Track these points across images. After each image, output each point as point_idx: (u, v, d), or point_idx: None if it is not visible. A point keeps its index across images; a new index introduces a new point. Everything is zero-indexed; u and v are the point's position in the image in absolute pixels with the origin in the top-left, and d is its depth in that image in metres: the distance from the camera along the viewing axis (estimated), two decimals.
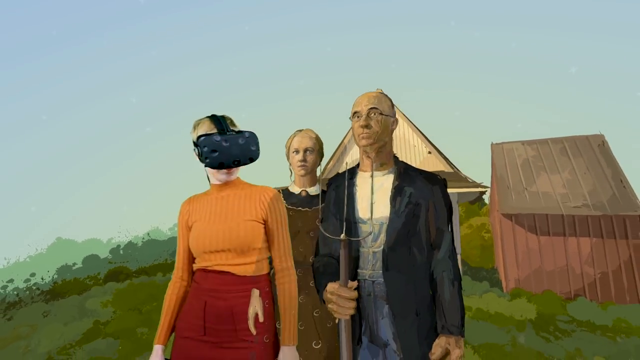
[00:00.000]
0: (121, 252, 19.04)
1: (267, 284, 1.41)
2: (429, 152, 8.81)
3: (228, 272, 1.32)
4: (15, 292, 10.75)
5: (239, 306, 1.30)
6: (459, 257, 8.18)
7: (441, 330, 1.29)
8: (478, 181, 7.83)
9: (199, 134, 1.31)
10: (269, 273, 1.43)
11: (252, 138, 1.35)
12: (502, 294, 6.34)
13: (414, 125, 9.29)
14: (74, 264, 17.50)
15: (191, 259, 1.42)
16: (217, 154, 1.28)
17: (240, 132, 1.34)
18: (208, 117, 1.38)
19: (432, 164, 8.77)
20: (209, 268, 1.33)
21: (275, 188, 1.98)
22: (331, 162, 9.32)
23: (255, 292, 1.90)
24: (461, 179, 7.94)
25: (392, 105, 1.55)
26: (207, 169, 1.38)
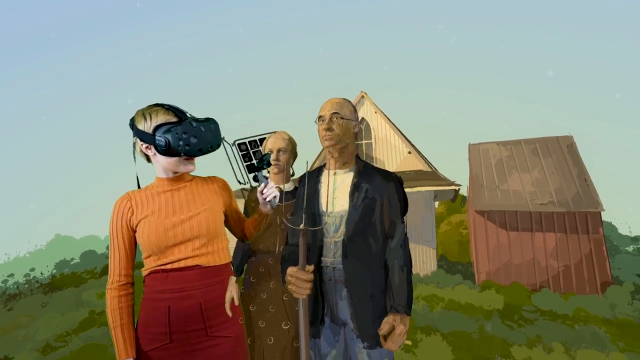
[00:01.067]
0: None
1: (231, 271, 1.34)
2: (409, 152, 8.94)
3: (194, 266, 1.19)
4: (15, 286, 10.66)
5: (208, 301, 1.19)
6: (434, 251, 8.34)
7: (389, 309, 1.37)
8: (455, 180, 7.99)
9: (159, 122, 1.18)
10: (231, 262, 1.35)
11: (218, 125, 1.27)
12: (474, 286, 6.49)
13: (396, 127, 9.43)
14: (72, 259, 17.33)
15: (133, 264, 1.25)
16: (196, 140, 1.18)
17: (207, 118, 1.24)
18: (156, 105, 1.23)
19: (412, 164, 8.92)
20: (169, 267, 1.18)
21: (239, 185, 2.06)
22: (317, 162, 9.40)
23: (232, 279, 1.99)
24: (438, 178, 8.09)
25: (355, 110, 1.64)
26: (162, 162, 1.23)
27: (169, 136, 1.15)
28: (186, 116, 1.22)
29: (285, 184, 2.00)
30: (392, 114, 10.08)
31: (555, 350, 3.48)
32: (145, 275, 1.22)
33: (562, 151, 7.70)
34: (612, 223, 14.73)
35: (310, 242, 1.48)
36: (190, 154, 1.19)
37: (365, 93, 9.60)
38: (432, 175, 8.34)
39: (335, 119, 1.50)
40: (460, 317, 4.51)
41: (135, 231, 1.22)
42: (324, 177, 1.60)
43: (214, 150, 1.26)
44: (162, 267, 1.19)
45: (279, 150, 1.94)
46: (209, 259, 1.23)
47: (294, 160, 2.07)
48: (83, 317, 4.93)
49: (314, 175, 1.62)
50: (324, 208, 1.52)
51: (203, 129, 1.20)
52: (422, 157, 8.95)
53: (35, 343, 4.19)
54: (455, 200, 10.19)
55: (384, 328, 1.33)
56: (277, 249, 1.86)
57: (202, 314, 1.17)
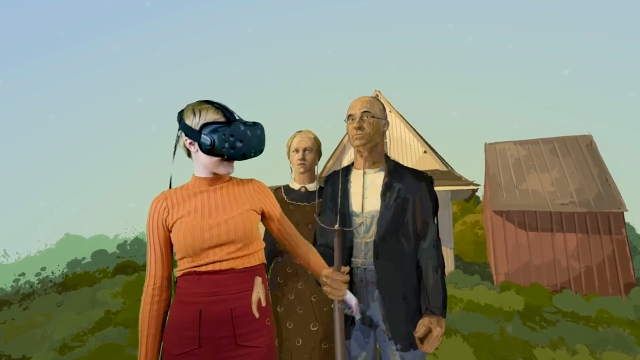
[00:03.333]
0: (128, 247, 19.15)
1: (265, 273, 1.31)
2: (425, 152, 8.89)
3: (228, 270, 1.16)
4: (28, 285, 10.88)
5: (239, 308, 1.15)
6: (451, 251, 8.28)
7: (425, 312, 1.37)
8: (473, 179, 7.92)
9: (208, 120, 1.18)
10: (264, 263, 1.32)
11: (264, 131, 1.24)
12: (492, 286, 6.44)
13: (411, 126, 9.38)
14: (84, 258, 17.63)
15: (170, 266, 1.23)
16: (242, 144, 1.16)
17: (254, 123, 1.23)
18: (207, 102, 1.23)
19: (427, 163, 8.87)
20: (203, 269, 1.15)
21: (276, 185, 2.06)
22: (331, 161, 9.40)
23: (258, 279, 2.01)
24: (454, 177, 8.03)
25: (384, 108, 1.64)
26: (202, 160, 1.22)
27: (215, 136, 1.15)
28: (235, 118, 1.21)
29: (311, 183, 2.00)
30: (402, 114, 10.02)
31: (579, 352, 3.44)
32: (179, 277, 1.20)
33: (582, 150, 7.59)
34: (630, 224, 14.46)
35: (342, 244, 1.48)
36: (233, 157, 1.18)
37: (380, 92, 9.57)
38: (448, 175, 8.28)
39: (365, 117, 1.50)
40: (480, 318, 4.47)
41: (171, 231, 1.20)
42: (353, 177, 1.59)
43: (257, 156, 1.23)
44: (196, 269, 1.16)
45: (305, 150, 1.95)
46: (244, 261, 1.20)
47: (319, 159, 2.08)
48: (99, 317, 5.01)
49: (343, 174, 1.61)
50: (354, 208, 1.52)
51: (250, 134, 1.18)
52: (438, 156, 8.89)
53: (52, 343, 4.27)
54: (470, 200, 10.11)
55: (420, 330, 1.33)
56: None
57: (232, 320, 1.13)
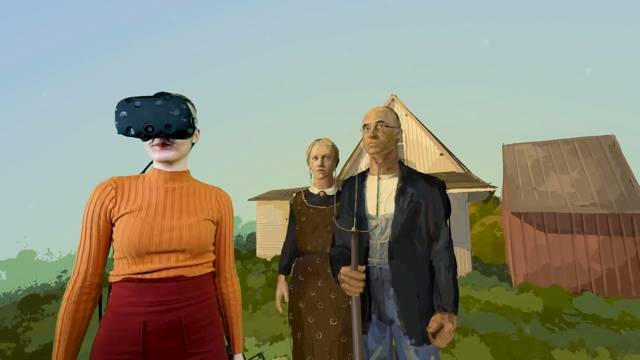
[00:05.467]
0: None
1: (212, 281, 1.17)
2: (441, 154, 8.79)
3: (176, 277, 1.02)
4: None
5: (188, 316, 1.02)
6: (468, 252, 8.14)
7: (437, 309, 1.41)
8: (492, 181, 7.78)
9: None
10: (214, 272, 1.20)
11: (174, 102, 1.02)
12: (511, 288, 6.29)
13: (427, 129, 9.30)
14: None
15: (104, 263, 1.04)
16: (124, 114, 1.00)
17: (159, 95, 1.04)
18: None
19: (444, 165, 8.76)
20: (148, 277, 0.99)
21: (298, 188, 2.14)
22: (348, 164, 9.45)
23: (282, 277, 2.10)
24: (471, 179, 7.89)
25: (397, 117, 1.69)
26: (146, 149, 1.09)
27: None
28: (141, 96, 1.03)
29: (329, 188, 2.08)
30: (419, 116, 9.94)
31: (600, 354, 3.33)
32: (115, 282, 1.01)
33: (604, 151, 7.30)
34: None
35: (358, 245, 1.55)
36: (119, 132, 1.00)
37: (396, 96, 9.55)
38: (465, 177, 8.16)
39: (380, 127, 1.55)
40: (498, 319, 4.39)
41: (114, 225, 1.03)
42: (369, 182, 1.64)
43: (160, 131, 1.01)
44: (140, 276, 0.99)
45: (323, 157, 2.02)
46: (194, 270, 1.07)
47: (336, 166, 2.15)
48: None
49: (359, 180, 1.67)
50: (370, 211, 1.57)
51: (140, 105, 1.00)
52: (455, 158, 8.79)
53: (95, 333, 4.51)
54: (488, 201, 9.91)
55: (432, 326, 1.36)
56: (323, 250, 1.94)
57: (182, 329, 1.01)
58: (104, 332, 0.97)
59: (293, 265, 2.10)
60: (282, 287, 2.06)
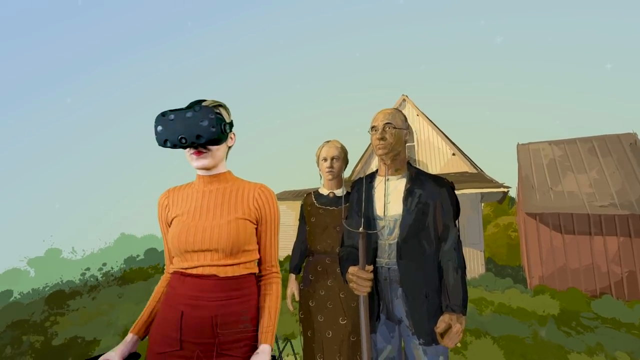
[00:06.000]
0: None
1: (255, 283, 1.20)
2: (453, 154, 8.65)
3: (210, 276, 1.09)
4: (93, 278, 11.80)
5: (221, 317, 1.07)
6: (481, 254, 7.98)
7: (445, 309, 1.40)
8: (508, 181, 7.61)
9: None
10: (255, 273, 1.21)
11: (203, 112, 1.06)
12: (525, 290, 6.12)
13: (439, 129, 9.18)
14: (137, 255, 18.83)
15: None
16: (160, 129, 1.06)
17: (189, 107, 1.09)
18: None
19: (456, 165, 8.62)
20: (188, 271, 1.10)
21: (310, 189, 2.15)
22: (359, 165, 9.41)
23: (292, 276, 2.12)
24: (484, 180, 7.73)
25: (405, 119, 1.68)
26: (186, 157, 1.16)
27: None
28: (174, 109, 1.09)
29: (338, 189, 2.08)
30: (433, 115, 9.83)
31: (619, 359, 3.21)
32: (170, 274, 1.17)
33: (625, 150, 7.00)
34: None
35: (366, 245, 1.55)
36: (159, 144, 1.08)
37: (407, 96, 9.46)
38: (478, 177, 8.01)
39: (387, 128, 1.55)
40: (512, 321, 4.29)
41: (170, 224, 1.18)
42: (377, 183, 1.64)
43: (192, 142, 1.07)
44: (182, 271, 1.11)
45: (332, 158, 2.03)
46: (227, 270, 1.11)
47: (345, 167, 2.16)
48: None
49: (368, 181, 1.67)
50: (378, 212, 1.57)
51: (173, 118, 1.06)
52: (467, 158, 8.62)
53: (116, 328, 4.66)
54: (502, 202, 9.69)
55: (440, 326, 1.36)
56: (332, 249, 1.95)
57: (214, 328, 1.05)
58: (158, 316, 1.12)
59: (303, 264, 2.12)
60: (292, 286, 2.08)
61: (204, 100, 1.17)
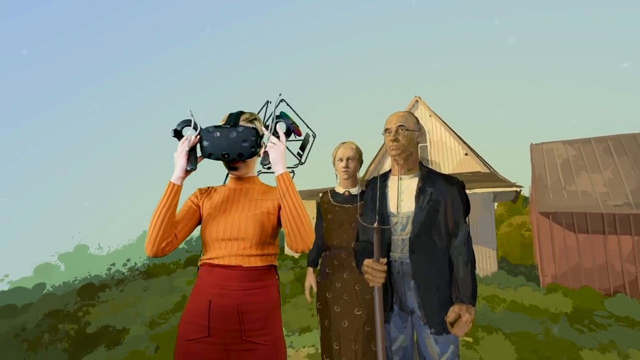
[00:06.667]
0: (194, 243, 20.72)
1: (275, 276, 1.27)
2: (466, 154, 8.56)
3: (236, 266, 1.16)
4: (119, 273, 12.20)
5: (245, 305, 1.14)
6: (494, 252, 7.88)
7: (455, 300, 1.45)
8: (523, 181, 7.51)
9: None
10: (275, 266, 1.28)
11: (245, 133, 1.18)
12: (538, 288, 6.03)
13: (451, 129, 9.10)
14: None
15: (173, 224, 1.19)
16: (207, 144, 1.19)
17: (236, 126, 1.20)
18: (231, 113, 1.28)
19: (469, 165, 8.54)
20: (215, 262, 1.18)
21: (324, 188, 2.22)
22: (372, 165, 9.42)
23: (310, 270, 2.20)
24: (497, 179, 7.64)
25: (417, 121, 1.73)
26: (223, 163, 1.28)
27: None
28: (228, 123, 1.22)
29: (354, 188, 2.15)
30: (445, 114, 9.75)
31: (631, 357, 3.16)
32: (199, 266, 1.24)
33: None
34: None
35: (380, 240, 1.61)
36: (204, 156, 1.21)
37: (419, 97, 9.43)
38: (490, 177, 7.92)
39: (400, 130, 1.60)
40: (524, 318, 4.25)
41: (202, 215, 1.26)
42: (390, 182, 1.70)
43: (235, 159, 1.20)
44: (210, 261, 1.19)
45: (348, 159, 2.10)
46: (250, 261, 1.18)
47: (360, 167, 2.22)
48: (177, 300, 5.58)
49: (382, 180, 1.73)
50: (392, 209, 1.63)
51: (218, 135, 1.18)
52: (480, 158, 8.53)
53: (143, 319, 4.87)
54: (516, 201, 9.53)
55: (450, 316, 1.41)
56: (348, 244, 2.02)
57: (239, 316, 1.12)
58: (189, 303, 1.19)
59: (320, 258, 2.20)
60: (310, 279, 2.16)
61: (243, 113, 1.27)
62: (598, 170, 6.82)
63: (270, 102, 1.33)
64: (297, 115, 1.34)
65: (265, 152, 1.20)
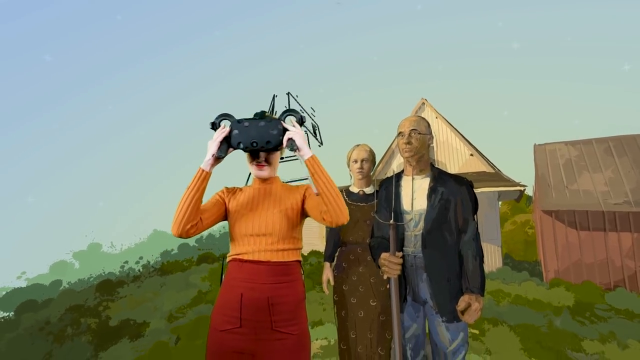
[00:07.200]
0: (204, 241, 20.93)
1: (300, 270, 1.32)
2: (471, 155, 8.63)
3: (265, 262, 1.21)
4: (132, 270, 12.38)
5: (275, 297, 1.19)
6: (499, 249, 7.95)
7: (465, 290, 1.55)
8: (526, 180, 7.57)
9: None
10: (300, 261, 1.33)
11: (273, 123, 1.23)
12: (541, 283, 6.09)
13: (457, 130, 9.16)
14: (172, 249, 19.59)
15: (199, 208, 1.22)
16: (237, 132, 1.22)
17: (261, 117, 1.26)
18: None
19: (474, 165, 8.59)
20: (245, 258, 1.23)
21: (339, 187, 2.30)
22: (380, 165, 9.50)
23: (327, 264, 2.31)
24: (501, 179, 7.71)
25: (428, 125, 1.82)
26: (248, 166, 1.34)
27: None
28: (249, 118, 1.26)
29: (367, 187, 2.24)
30: (451, 115, 9.80)
31: (630, 347, 3.23)
32: (229, 262, 1.28)
33: None
34: None
35: (395, 235, 1.71)
36: (232, 146, 1.23)
37: (426, 100, 9.50)
38: (495, 177, 7.99)
39: (413, 134, 1.70)
40: (528, 311, 4.32)
41: (227, 216, 1.30)
42: (403, 182, 1.79)
43: (264, 146, 1.22)
44: (239, 257, 1.23)
45: (362, 160, 2.19)
46: (278, 256, 1.23)
47: (373, 168, 2.32)
48: (193, 295, 5.72)
49: (395, 180, 1.81)
50: (405, 207, 1.72)
51: (247, 125, 1.23)
52: (485, 158, 8.60)
53: (162, 313, 5.00)
54: (520, 200, 9.57)
55: (461, 305, 1.50)
56: (363, 240, 2.11)
57: (269, 308, 1.18)
58: (220, 297, 1.24)
59: (336, 254, 2.30)
60: (327, 273, 2.26)
61: (265, 112, 1.33)
62: (599, 170, 6.86)
63: (277, 96, 1.40)
64: (303, 108, 1.43)
65: (291, 139, 1.20)
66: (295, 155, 1.30)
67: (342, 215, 1.18)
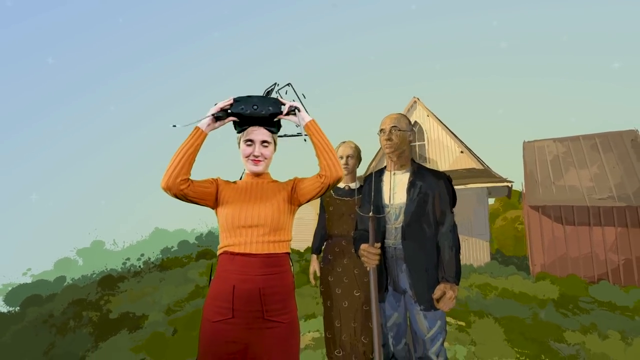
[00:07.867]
0: (204, 238, 20.93)
1: (289, 261, 1.34)
2: (461, 152, 8.68)
3: (256, 254, 1.22)
4: (134, 267, 12.41)
5: (266, 288, 1.20)
6: (487, 244, 8.01)
7: (441, 279, 1.58)
8: (516, 177, 7.63)
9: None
10: (289, 253, 1.35)
11: (274, 98, 1.31)
12: (528, 277, 6.15)
13: (447, 128, 9.21)
14: (172, 247, 19.60)
15: (192, 165, 1.23)
16: (238, 102, 1.26)
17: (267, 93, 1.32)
18: None
19: (464, 162, 8.65)
20: (237, 250, 1.22)
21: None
22: (374, 162, 9.54)
23: (314, 256, 2.34)
24: (490, 175, 7.76)
25: (409, 122, 1.85)
26: (243, 162, 1.35)
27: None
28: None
29: (353, 183, 2.27)
30: (446, 115, 9.83)
31: (610, 337, 3.28)
32: (219, 255, 1.28)
33: (625, 146, 6.89)
34: None
35: (375, 227, 1.74)
36: (235, 110, 1.26)
37: (418, 98, 9.53)
38: (484, 173, 8.04)
39: (394, 131, 1.72)
40: (514, 304, 4.37)
41: (218, 201, 1.29)
42: (385, 177, 1.82)
43: (260, 111, 1.26)
44: (231, 250, 1.22)
45: (347, 156, 2.21)
46: (269, 247, 1.24)
47: (359, 164, 2.35)
48: (191, 290, 5.76)
49: (377, 175, 1.85)
50: (386, 201, 1.75)
51: (250, 95, 1.29)
52: (475, 155, 8.65)
53: (160, 306, 5.05)
54: (510, 196, 9.63)
55: (436, 293, 1.53)
56: (348, 233, 2.15)
57: (261, 298, 1.19)
58: (212, 289, 1.24)
59: (323, 246, 2.33)
60: (314, 265, 2.30)
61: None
62: (585, 166, 6.92)
63: (278, 84, 1.43)
64: (299, 99, 1.46)
65: (294, 107, 1.28)
66: (294, 134, 1.35)
67: (336, 170, 1.24)
